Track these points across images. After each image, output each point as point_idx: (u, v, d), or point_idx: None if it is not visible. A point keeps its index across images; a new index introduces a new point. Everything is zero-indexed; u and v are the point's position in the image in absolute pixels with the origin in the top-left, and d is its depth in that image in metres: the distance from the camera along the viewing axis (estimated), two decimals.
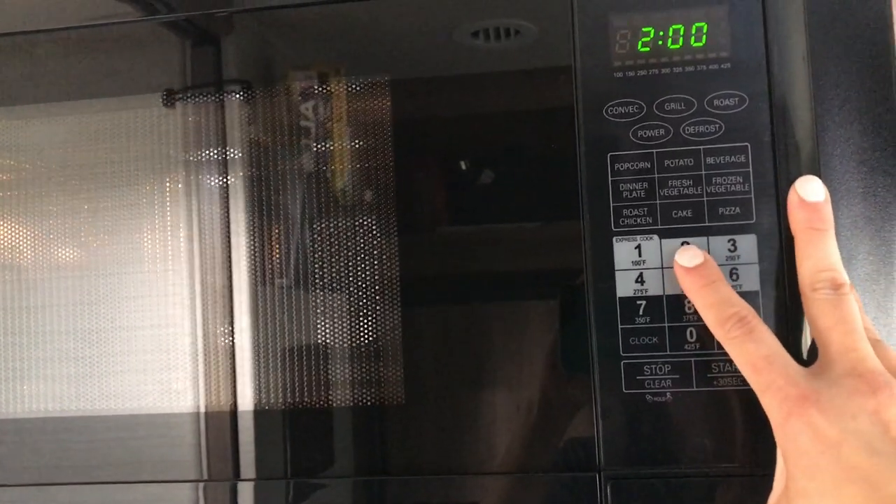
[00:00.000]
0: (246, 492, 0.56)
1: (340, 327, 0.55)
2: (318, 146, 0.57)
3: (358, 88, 0.55)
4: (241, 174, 0.58)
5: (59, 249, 0.61)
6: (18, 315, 0.61)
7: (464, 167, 0.53)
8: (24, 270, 0.62)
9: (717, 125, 0.49)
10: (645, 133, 0.50)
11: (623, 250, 0.50)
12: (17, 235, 0.62)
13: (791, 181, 0.49)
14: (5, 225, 0.62)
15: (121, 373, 0.59)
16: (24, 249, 0.62)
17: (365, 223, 0.55)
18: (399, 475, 0.53)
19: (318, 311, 0.56)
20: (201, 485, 0.57)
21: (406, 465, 0.53)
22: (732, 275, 0.49)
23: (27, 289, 0.61)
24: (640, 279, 0.49)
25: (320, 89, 0.57)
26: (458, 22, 0.55)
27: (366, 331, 0.54)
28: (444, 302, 0.53)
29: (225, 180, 0.59)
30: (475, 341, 0.52)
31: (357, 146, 0.55)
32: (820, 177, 0.49)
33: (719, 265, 0.49)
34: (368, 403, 0.54)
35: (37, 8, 0.62)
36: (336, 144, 0.57)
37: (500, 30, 0.54)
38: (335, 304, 0.55)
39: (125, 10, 0.61)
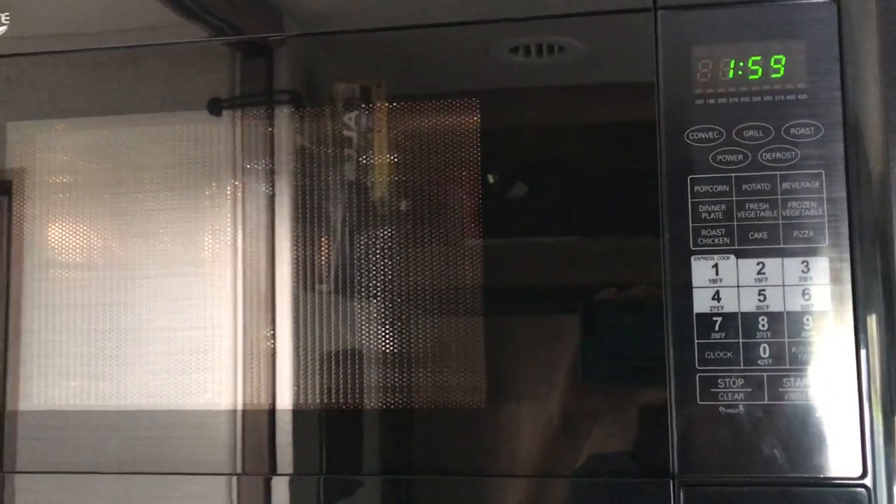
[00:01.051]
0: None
1: (418, 333, 0.57)
2: (390, 158, 0.59)
3: (445, 104, 0.58)
4: (296, 183, 0.60)
5: (105, 250, 0.63)
6: (63, 312, 0.63)
7: (547, 182, 0.56)
8: (71, 269, 0.64)
9: (794, 152, 0.52)
10: (724, 158, 0.53)
11: (701, 269, 0.52)
12: (67, 235, 0.64)
13: (863, 207, 0.51)
14: (56, 225, 0.64)
15: (160, 373, 0.61)
16: (72, 249, 0.64)
17: (450, 233, 0.57)
18: (472, 476, 0.56)
19: (386, 317, 0.58)
20: (234, 478, 0.59)
21: (481, 467, 0.56)
22: (805, 295, 0.51)
23: (72, 287, 0.63)
24: (716, 296, 0.52)
25: (402, 105, 0.60)
26: (497, 38, 0.58)
27: (445, 337, 0.57)
28: (524, 312, 0.56)
29: (272, 188, 0.61)
30: (553, 349, 0.55)
31: (441, 160, 0.58)
32: (890, 203, 0.51)
33: (792, 286, 0.51)
34: (448, 406, 0.56)
35: (102, 22, 0.65)
36: (412, 157, 0.59)
37: (542, 47, 0.57)
38: (407, 311, 0.58)
39: (187, 28, 0.64)
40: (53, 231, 0.64)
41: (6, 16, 0.64)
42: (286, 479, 0.59)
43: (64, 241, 0.64)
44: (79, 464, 0.61)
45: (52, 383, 0.63)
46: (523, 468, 0.55)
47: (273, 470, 0.59)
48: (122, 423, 0.61)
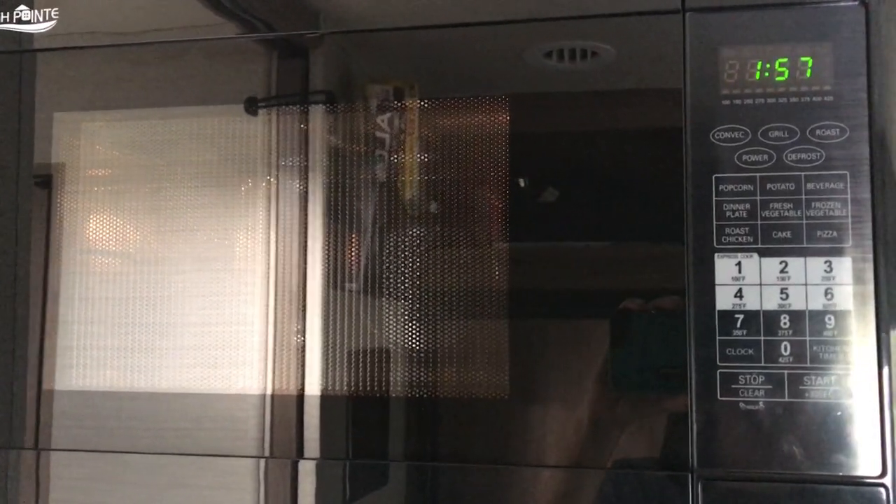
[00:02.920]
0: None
1: (444, 331, 0.59)
2: (421, 158, 0.60)
3: (476, 104, 0.59)
4: (323, 181, 0.62)
5: (140, 244, 0.65)
6: (98, 305, 0.65)
7: (573, 184, 0.57)
8: (106, 263, 0.65)
9: (819, 153, 0.53)
10: (749, 158, 0.53)
11: (724, 266, 0.53)
12: (102, 228, 0.66)
13: (887, 208, 0.52)
14: (94, 218, 0.66)
15: (193, 366, 0.62)
16: (107, 242, 0.66)
17: (479, 235, 0.58)
18: (496, 464, 0.57)
19: (416, 315, 0.59)
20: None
21: (504, 457, 0.57)
22: (827, 294, 0.52)
23: (107, 281, 0.65)
24: (738, 294, 0.53)
25: (434, 106, 0.60)
26: (531, 42, 0.59)
27: (472, 335, 0.58)
28: (549, 313, 0.58)
29: (305, 186, 0.62)
30: (578, 347, 0.56)
31: (472, 162, 0.59)
32: None
33: (814, 285, 0.52)
34: (472, 399, 0.58)
35: (145, 19, 0.66)
36: (444, 158, 0.60)
37: (575, 51, 0.58)
38: (431, 310, 0.59)
39: (226, 25, 0.65)
40: (91, 224, 0.66)
41: (55, 11, 0.66)
42: (313, 462, 0.60)
43: (101, 235, 0.66)
44: (111, 446, 0.63)
45: (86, 374, 0.64)
46: (546, 460, 0.56)
47: (300, 454, 0.60)
48: (154, 407, 0.62)
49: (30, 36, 0.67)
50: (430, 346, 0.58)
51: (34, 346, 0.65)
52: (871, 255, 0.52)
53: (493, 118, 0.59)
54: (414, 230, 0.59)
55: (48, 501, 0.64)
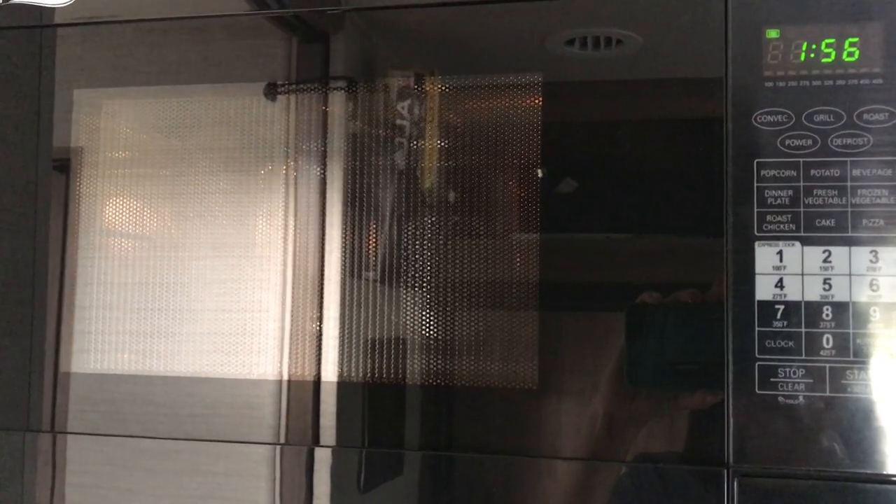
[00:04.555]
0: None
1: (464, 321, 0.57)
2: (442, 145, 0.59)
3: (508, 87, 0.58)
4: (342, 167, 0.61)
5: (158, 229, 0.64)
6: (115, 289, 0.64)
7: (604, 172, 0.56)
8: (124, 247, 0.65)
9: (866, 139, 0.51)
10: (792, 142, 0.51)
11: (764, 255, 0.51)
12: (120, 212, 0.65)
13: None
14: (112, 201, 0.65)
15: (209, 352, 0.62)
16: (125, 227, 0.65)
17: (503, 225, 0.57)
18: (518, 455, 0.56)
19: (433, 304, 0.58)
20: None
21: (526, 449, 0.56)
22: (872, 286, 0.50)
23: (124, 265, 0.64)
24: (779, 284, 0.51)
25: (456, 92, 0.59)
26: (556, 27, 0.57)
27: (500, 325, 0.57)
28: (582, 305, 0.56)
29: (323, 172, 0.61)
30: (610, 338, 0.55)
31: (502, 147, 0.58)
32: None
33: (859, 276, 0.50)
34: (493, 390, 0.56)
35: None
36: (465, 145, 0.59)
37: (599, 39, 0.56)
38: (455, 299, 0.57)
39: (246, 4, 0.64)
40: (110, 207, 0.65)
41: None
42: (328, 450, 0.59)
43: (120, 218, 0.65)
44: (127, 430, 0.62)
45: (103, 358, 0.64)
46: (574, 452, 0.55)
47: (316, 441, 0.60)
48: (170, 392, 0.62)
49: (51, 11, 0.66)
50: (453, 335, 0.57)
51: (51, 330, 0.64)
52: None
53: (517, 105, 0.57)
54: (435, 219, 0.58)
55: (64, 484, 0.64)
